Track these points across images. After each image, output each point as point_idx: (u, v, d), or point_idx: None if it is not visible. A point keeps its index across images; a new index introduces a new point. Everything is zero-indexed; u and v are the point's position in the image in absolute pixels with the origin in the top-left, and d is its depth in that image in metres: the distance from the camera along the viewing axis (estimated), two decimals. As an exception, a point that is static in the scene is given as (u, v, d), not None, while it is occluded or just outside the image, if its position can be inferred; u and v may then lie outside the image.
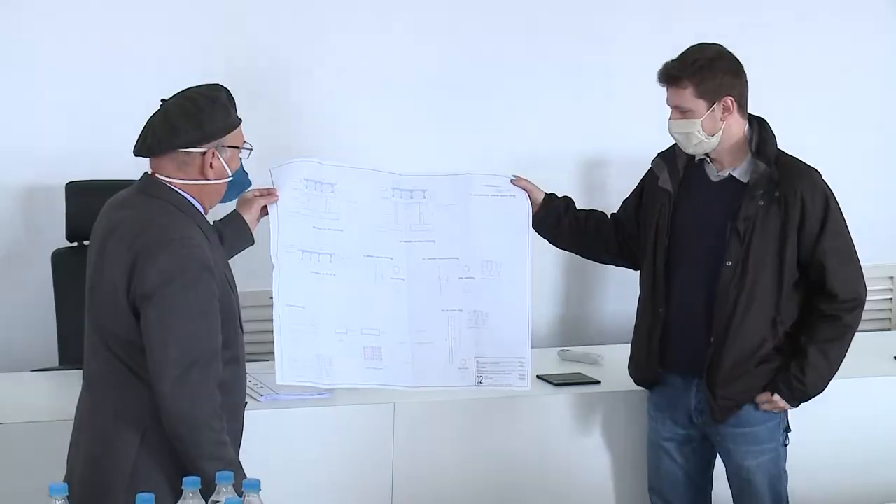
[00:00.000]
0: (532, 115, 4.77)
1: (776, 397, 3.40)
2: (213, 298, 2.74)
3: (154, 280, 2.68)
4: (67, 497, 2.29)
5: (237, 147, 2.87)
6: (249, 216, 3.26)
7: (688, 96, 3.34)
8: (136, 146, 2.82)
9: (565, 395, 3.78)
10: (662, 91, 4.92)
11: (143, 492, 2.33)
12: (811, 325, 3.40)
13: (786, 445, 3.50)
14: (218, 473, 2.40)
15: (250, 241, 3.26)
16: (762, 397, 3.41)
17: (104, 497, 2.74)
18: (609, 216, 3.68)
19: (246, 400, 2.99)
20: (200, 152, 2.78)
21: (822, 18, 5.07)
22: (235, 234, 3.21)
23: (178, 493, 2.38)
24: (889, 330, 5.23)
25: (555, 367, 3.97)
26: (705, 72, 3.33)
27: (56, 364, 4.08)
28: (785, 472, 3.52)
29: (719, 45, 3.41)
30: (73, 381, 3.15)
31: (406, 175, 3.49)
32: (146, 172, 2.85)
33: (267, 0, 4.47)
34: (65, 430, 2.91)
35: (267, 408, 3.45)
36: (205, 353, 2.71)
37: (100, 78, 4.32)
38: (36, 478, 2.67)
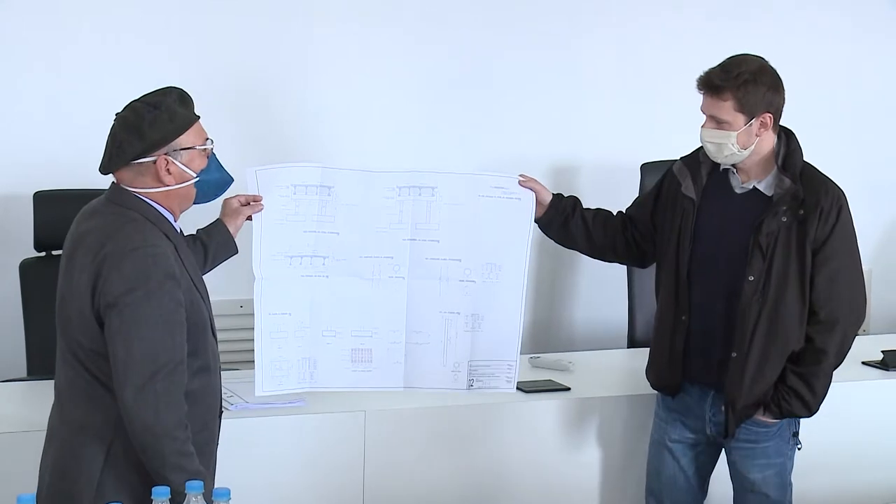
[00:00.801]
0: (501, 121, 4.78)
1: (766, 415, 3.40)
2: (179, 307, 2.73)
3: (118, 288, 2.67)
4: (36, 509, 2.29)
5: (194, 147, 2.81)
6: (234, 227, 3.25)
7: (727, 108, 3.27)
8: (99, 165, 2.82)
9: (536, 402, 3.78)
10: (632, 97, 4.96)
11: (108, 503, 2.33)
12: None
13: (793, 449, 3.48)
14: (188, 483, 2.40)
15: (234, 250, 3.25)
16: (757, 413, 3.40)
17: None
18: (615, 214, 3.64)
19: (221, 409, 2.98)
20: (151, 161, 2.76)
21: (803, 22, 5.11)
22: (220, 244, 3.20)
23: None
24: (857, 335, 5.25)
25: (526, 374, 3.97)
26: (749, 86, 3.25)
27: (25, 374, 4.05)
28: (790, 485, 3.51)
29: (761, 58, 3.34)
30: (41, 392, 3.13)
31: (415, 172, 3.45)
32: (113, 182, 2.84)
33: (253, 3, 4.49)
34: (35, 440, 2.89)
35: (236, 416, 3.44)
36: (168, 361, 2.69)
37: (68, 87, 4.31)
38: (6, 489, 2.65)
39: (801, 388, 3.37)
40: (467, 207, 3.46)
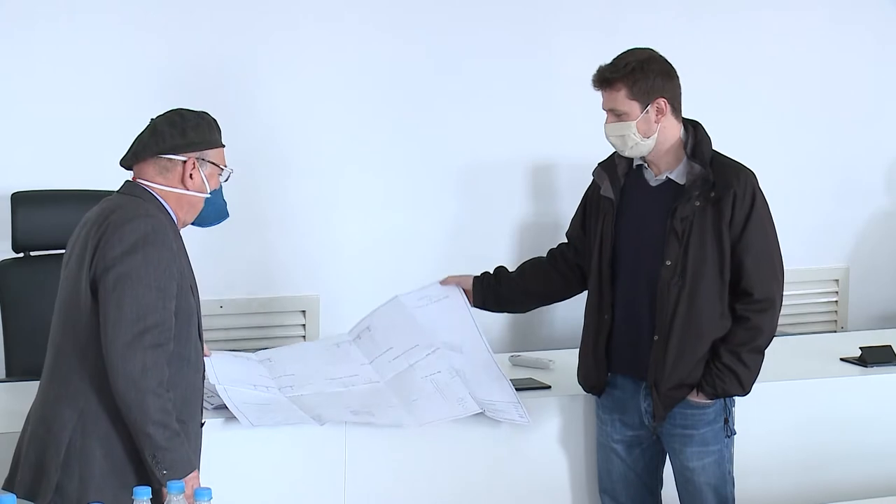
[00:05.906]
0: (480, 120, 4.78)
1: (700, 396, 3.44)
2: (172, 280, 2.79)
3: (116, 250, 2.75)
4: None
5: (217, 165, 2.95)
6: None
7: (621, 98, 3.38)
8: (123, 157, 2.93)
9: (516, 401, 3.78)
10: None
11: (75, 471, 2.53)
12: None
13: (729, 437, 3.50)
14: (169, 483, 2.43)
15: None
16: (691, 395, 3.44)
17: (41, 475, 2.77)
18: (546, 255, 3.75)
19: (203, 420, 3.01)
20: (181, 160, 2.89)
21: (777, 20, 5.13)
22: None
23: (107, 479, 2.61)
24: (835, 332, 5.28)
25: (506, 373, 3.97)
26: (637, 73, 3.37)
27: (2, 376, 4.03)
28: (730, 475, 3.54)
29: (651, 49, 3.45)
30: (19, 393, 3.12)
31: (343, 334, 3.64)
32: (127, 180, 2.94)
33: (222, 14, 4.47)
34: (9, 442, 2.89)
35: (218, 430, 3.37)
36: (158, 323, 2.75)
37: (47, 87, 4.28)
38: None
39: (736, 367, 3.41)
40: (405, 321, 3.63)
